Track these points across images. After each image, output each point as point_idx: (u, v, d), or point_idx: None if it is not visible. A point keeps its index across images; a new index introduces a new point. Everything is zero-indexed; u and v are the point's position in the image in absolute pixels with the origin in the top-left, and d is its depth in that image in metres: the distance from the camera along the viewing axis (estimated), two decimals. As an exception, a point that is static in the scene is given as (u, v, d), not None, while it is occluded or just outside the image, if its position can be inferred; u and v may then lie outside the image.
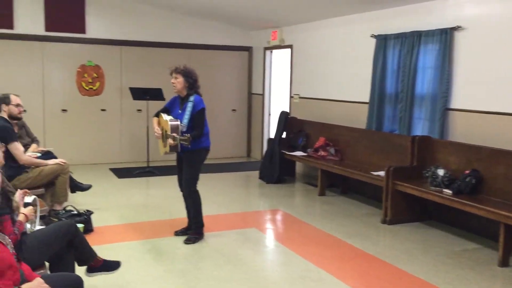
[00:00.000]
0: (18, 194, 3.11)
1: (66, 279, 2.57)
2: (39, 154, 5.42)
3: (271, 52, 9.33)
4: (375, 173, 5.78)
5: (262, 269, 4.20)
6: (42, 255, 2.88)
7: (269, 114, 9.46)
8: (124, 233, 5.01)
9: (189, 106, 4.58)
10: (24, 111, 5.41)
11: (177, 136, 4.35)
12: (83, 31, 8.34)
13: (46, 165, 5.10)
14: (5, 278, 1.98)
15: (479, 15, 5.23)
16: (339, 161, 6.76)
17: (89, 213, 5.00)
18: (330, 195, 6.79)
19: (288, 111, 8.32)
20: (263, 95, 9.46)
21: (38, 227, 3.11)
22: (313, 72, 7.94)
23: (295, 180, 7.80)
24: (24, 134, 5.73)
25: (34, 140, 5.84)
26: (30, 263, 2.57)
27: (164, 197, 6.48)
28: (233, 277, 3.96)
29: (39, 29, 8.09)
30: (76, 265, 3.20)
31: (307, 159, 7.10)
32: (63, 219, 4.64)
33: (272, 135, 8.07)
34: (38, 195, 4.57)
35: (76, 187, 5.66)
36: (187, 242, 4.71)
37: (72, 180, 5.55)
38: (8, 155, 4.65)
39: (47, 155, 5.47)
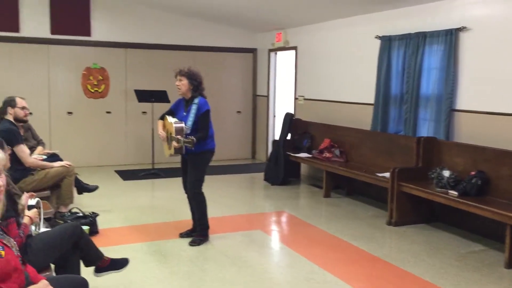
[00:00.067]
0: (24, 197, 3.13)
1: (71, 281, 2.57)
2: (44, 157, 5.45)
3: (276, 53, 9.33)
4: (380, 175, 5.76)
5: (267, 271, 4.19)
6: (48, 257, 2.89)
7: (274, 116, 9.46)
8: (129, 235, 5.01)
9: (194, 108, 4.58)
10: (30, 113, 5.44)
11: (181, 139, 4.36)
12: (88, 34, 8.38)
13: (52, 167, 5.12)
14: (10, 280, 1.99)
15: (485, 15, 5.21)
16: (344, 162, 6.75)
17: (94, 215, 5.01)
18: (335, 197, 6.77)
19: (292, 112, 8.31)
20: (267, 96, 9.46)
21: (42, 229, 3.12)
22: (318, 73, 7.94)
23: (300, 182, 7.79)
24: (30, 137, 5.75)
25: (40, 142, 5.87)
26: (35, 265, 2.57)
27: (169, 199, 6.49)
28: (238, 279, 3.96)
29: (45, 32, 8.13)
30: (82, 266, 3.20)
31: (312, 161, 7.09)
32: (69, 221, 4.66)
33: (277, 137, 8.06)
34: (43, 198, 4.60)
35: (83, 188, 5.68)
36: (192, 244, 4.71)
37: (78, 181, 5.57)
38: (14, 157, 4.68)
39: (53, 157, 5.50)
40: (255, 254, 4.56)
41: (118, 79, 8.74)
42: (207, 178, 4.91)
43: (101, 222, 5.13)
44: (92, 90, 8.60)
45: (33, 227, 3.00)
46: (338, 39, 7.44)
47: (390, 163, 5.99)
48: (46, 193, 4.99)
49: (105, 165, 8.70)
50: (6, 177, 2.49)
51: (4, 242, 2.14)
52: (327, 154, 6.93)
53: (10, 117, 4.96)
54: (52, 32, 8.16)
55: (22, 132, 5.27)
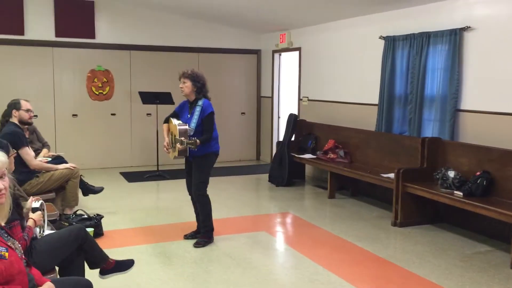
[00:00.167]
0: (30, 200, 3.14)
1: (76, 283, 2.58)
2: (49, 159, 5.47)
3: (280, 55, 9.33)
4: (385, 175, 5.74)
5: (272, 272, 4.19)
6: (52, 260, 2.90)
7: (278, 117, 9.46)
8: (134, 237, 5.02)
9: (198, 110, 4.60)
10: (35, 116, 5.46)
11: (185, 140, 4.37)
12: (92, 36, 8.41)
13: (57, 169, 5.14)
14: (14, 282, 2.00)
15: (489, 15, 5.19)
16: (349, 163, 6.74)
17: (99, 217, 5.02)
18: (340, 198, 6.76)
19: (297, 113, 8.31)
20: (272, 98, 9.46)
21: (47, 231, 3.13)
22: (322, 74, 7.93)
23: (304, 183, 7.78)
24: (35, 139, 5.78)
25: (45, 145, 5.90)
26: (40, 267, 2.58)
27: (174, 201, 6.50)
28: (242, 280, 3.96)
29: (49, 34, 8.17)
30: (86, 269, 3.21)
31: (317, 162, 7.08)
32: (74, 223, 4.67)
33: (281, 138, 8.06)
34: (48, 200, 4.63)
35: (88, 190, 5.70)
36: (196, 245, 4.72)
37: (84, 183, 5.59)
38: (19, 160, 4.69)
39: (58, 159, 5.52)
40: (259, 255, 4.56)
41: (122, 81, 8.76)
42: (212, 179, 4.92)
43: (106, 224, 5.14)
44: (97, 92, 8.63)
45: (37, 230, 3.01)
46: (342, 39, 7.44)
47: (394, 163, 5.98)
48: (51, 195, 5.02)
49: (110, 167, 8.72)
50: (12, 180, 2.51)
51: (9, 244, 2.15)
52: (331, 155, 6.91)
53: (15, 120, 4.98)
54: (57, 35, 8.20)
55: (27, 134, 5.30)
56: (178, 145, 4.46)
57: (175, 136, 4.59)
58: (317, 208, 6.36)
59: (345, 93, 7.39)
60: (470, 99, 5.39)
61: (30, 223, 2.86)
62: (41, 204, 3.11)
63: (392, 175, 5.54)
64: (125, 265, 3.40)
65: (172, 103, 7.71)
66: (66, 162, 5.41)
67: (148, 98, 8.13)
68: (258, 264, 4.31)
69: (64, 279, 2.73)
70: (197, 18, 8.99)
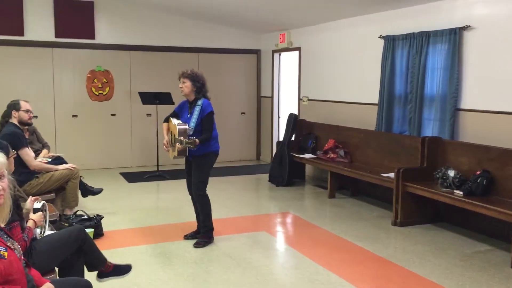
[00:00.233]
0: (29, 201, 3.14)
1: (76, 283, 2.58)
2: (49, 160, 5.47)
3: (280, 54, 9.33)
4: (385, 175, 5.74)
5: (272, 272, 4.19)
6: (52, 261, 2.90)
7: (278, 117, 9.46)
8: (134, 237, 5.02)
9: (197, 110, 4.60)
10: (35, 116, 5.46)
11: (184, 140, 4.37)
12: (92, 36, 8.41)
13: (57, 170, 5.14)
14: (13, 283, 2.00)
15: (488, 14, 5.19)
16: (349, 163, 6.74)
17: (99, 217, 5.02)
18: (340, 198, 6.76)
19: (297, 113, 8.30)
20: (272, 97, 9.46)
21: (47, 232, 3.13)
22: (322, 74, 7.93)
23: (304, 183, 7.78)
24: (35, 140, 5.78)
25: (44, 145, 5.90)
26: (39, 268, 2.58)
27: (174, 201, 6.50)
28: (242, 280, 3.96)
29: (49, 35, 8.17)
30: (85, 270, 3.21)
31: (317, 162, 7.08)
32: (74, 224, 4.66)
33: (281, 138, 8.06)
34: (48, 200, 4.61)
35: (88, 191, 5.69)
36: (196, 246, 4.71)
37: (83, 184, 5.59)
38: (19, 161, 4.69)
39: (58, 160, 5.52)
40: (259, 255, 4.55)
41: (122, 82, 8.76)
42: (212, 179, 4.92)
43: (106, 225, 5.14)
44: (97, 93, 8.63)
45: (38, 230, 3.01)
46: (342, 39, 7.43)
47: (394, 163, 5.97)
48: (51, 195, 5.02)
49: (110, 168, 8.72)
50: (12, 181, 2.51)
51: (8, 244, 2.15)
52: (331, 155, 6.91)
53: (14, 121, 4.98)
54: (57, 36, 8.20)
55: (27, 135, 5.30)
56: (177, 145, 4.47)
57: (174, 135, 4.60)
58: (317, 208, 6.35)
59: (345, 93, 7.39)
60: (470, 98, 5.38)
61: (30, 224, 2.85)
62: (43, 205, 3.11)
63: (392, 175, 5.54)
64: (123, 269, 3.40)
65: (172, 103, 7.70)
66: (66, 163, 5.41)
67: (148, 98, 8.13)
68: (258, 264, 4.31)
69: (64, 279, 2.73)
70: (197, 18, 8.99)
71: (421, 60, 5.88)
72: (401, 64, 6.27)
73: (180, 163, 5.28)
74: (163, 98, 8.01)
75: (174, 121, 4.68)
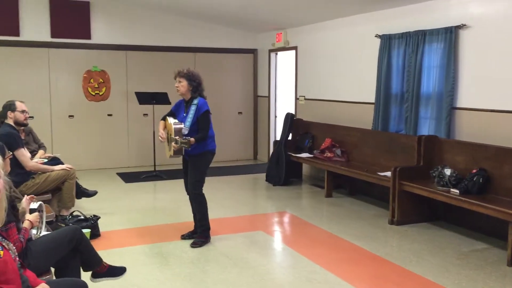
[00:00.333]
0: (24, 200, 3.13)
1: (71, 284, 2.57)
2: (45, 160, 5.46)
3: (276, 54, 9.33)
4: (382, 174, 5.75)
5: (269, 272, 4.18)
6: (48, 261, 2.89)
7: (275, 116, 9.46)
8: (131, 238, 5.01)
9: (193, 109, 4.60)
10: (31, 117, 5.45)
11: (179, 139, 4.37)
12: (88, 37, 8.39)
13: (53, 170, 5.13)
14: (8, 282, 1.99)
15: (484, 12, 5.20)
16: (346, 162, 6.74)
17: (96, 218, 5.01)
18: (337, 197, 6.76)
19: (293, 112, 8.31)
20: (268, 97, 9.46)
21: (44, 232, 3.12)
22: (318, 73, 7.93)
23: (301, 182, 7.78)
24: (31, 141, 5.77)
25: (41, 146, 5.89)
26: (35, 269, 2.57)
27: (171, 201, 6.49)
28: (239, 280, 3.95)
29: (45, 35, 8.15)
30: (81, 270, 3.20)
31: (314, 161, 7.08)
32: (70, 224, 4.65)
33: (278, 137, 8.06)
34: (44, 201, 4.60)
35: (82, 193, 5.68)
36: (193, 245, 4.71)
37: (78, 186, 5.57)
38: (15, 161, 4.68)
39: (54, 161, 5.51)
40: (256, 255, 4.55)
41: (118, 82, 8.75)
42: (209, 179, 4.91)
43: (103, 225, 5.13)
44: (93, 93, 8.62)
45: (34, 231, 3.00)
46: (338, 38, 7.44)
47: (391, 162, 5.98)
48: (47, 196, 5.01)
49: (107, 168, 8.71)
50: (7, 182, 2.49)
51: (3, 244, 2.14)
52: (328, 154, 6.92)
53: (10, 121, 4.97)
54: (52, 36, 8.18)
55: (23, 136, 5.29)
56: (173, 144, 4.47)
57: (170, 135, 4.59)
58: (314, 207, 6.36)
59: (341, 92, 7.39)
60: (466, 97, 5.39)
61: (26, 224, 2.85)
62: (40, 206, 3.10)
63: (388, 174, 5.55)
64: (117, 271, 3.41)
65: (169, 103, 7.69)
66: (62, 163, 5.40)
67: (145, 98, 8.12)
68: (256, 264, 4.31)
69: (60, 280, 2.72)
70: (193, 18, 8.98)
71: (417, 59, 5.89)
72: (398, 63, 6.27)
73: (177, 163, 5.28)
74: (159, 98, 7.99)
75: (171, 120, 4.69)
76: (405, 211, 5.41)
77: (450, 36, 5.44)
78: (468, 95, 5.37)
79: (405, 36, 6.07)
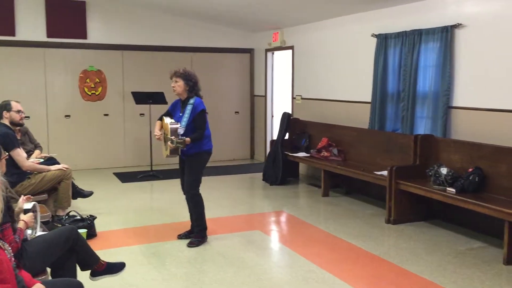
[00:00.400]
0: (21, 200, 3.12)
1: (67, 284, 2.57)
2: (42, 160, 5.44)
3: (273, 53, 9.33)
4: (378, 173, 5.76)
5: (266, 271, 4.18)
6: (43, 261, 2.88)
7: (272, 116, 9.46)
8: (128, 238, 5.01)
9: (189, 108, 4.59)
10: (27, 117, 5.43)
11: (174, 139, 4.37)
12: (84, 36, 8.37)
13: (49, 170, 5.12)
14: (3, 281, 1.99)
15: (480, 12, 5.21)
16: (342, 161, 6.75)
17: (92, 218, 5.00)
18: (334, 196, 6.77)
19: (290, 112, 8.31)
20: (265, 96, 9.46)
21: (39, 233, 3.11)
22: (315, 72, 7.93)
23: (298, 181, 7.79)
24: (27, 141, 5.75)
25: (37, 146, 5.87)
26: (31, 269, 2.57)
27: (168, 201, 6.48)
28: (236, 280, 3.95)
29: (41, 35, 8.12)
30: (78, 270, 3.19)
31: (310, 160, 7.08)
32: (67, 224, 4.64)
33: (275, 137, 8.06)
34: (41, 201, 4.60)
35: (78, 193, 5.66)
36: (190, 245, 4.71)
37: (73, 186, 5.56)
38: (11, 161, 4.66)
39: (50, 161, 5.49)
40: (253, 254, 4.55)
41: (115, 82, 8.73)
42: (205, 179, 4.91)
43: (99, 225, 5.12)
44: (89, 93, 8.60)
45: (29, 231, 2.99)
46: (335, 38, 7.44)
47: (388, 161, 5.99)
48: (44, 196, 4.99)
49: (103, 168, 8.69)
50: (3, 182, 2.49)
51: (-1, 244, 2.14)
52: (325, 153, 6.92)
53: (6, 121, 4.95)
54: (48, 35, 8.15)
55: (19, 136, 5.27)
56: (169, 143, 4.47)
57: (166, 134, 4.59)
58: (311, 207, 6.36)
59: (338, 91, 7.40)
60: (462, 96, 5.41)
61: (21, 225, 2.83)
62: (34, 206, 3.08)
63: (385, 173, 5.55)
64: (116, 267, 3.39)
65: (165, 103, 7.68)
66: (58, 163, 5.39)
67: (141, 98, 8.11)
68: (252, 263, 4.31)
69: (56, 280, 2.71)
70: (190, 17, 8.97)
71: (413, 58, 5.90)
72: (394, 62, 6.28)
73: (174, 163, 5.27)
74: (156, 98, 7.98)
75: (167, 119, 4.69)
76: (402, 210, 5.42)
77: (446, 35, 5.45)
78: (464, 94, 5.38)
79: (401, 36, 6.07)
